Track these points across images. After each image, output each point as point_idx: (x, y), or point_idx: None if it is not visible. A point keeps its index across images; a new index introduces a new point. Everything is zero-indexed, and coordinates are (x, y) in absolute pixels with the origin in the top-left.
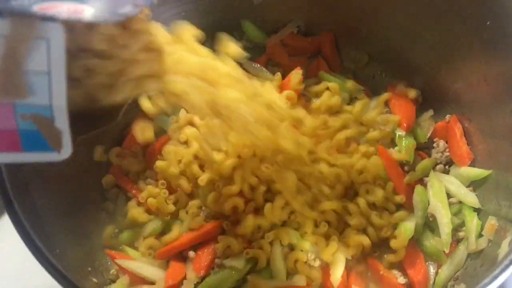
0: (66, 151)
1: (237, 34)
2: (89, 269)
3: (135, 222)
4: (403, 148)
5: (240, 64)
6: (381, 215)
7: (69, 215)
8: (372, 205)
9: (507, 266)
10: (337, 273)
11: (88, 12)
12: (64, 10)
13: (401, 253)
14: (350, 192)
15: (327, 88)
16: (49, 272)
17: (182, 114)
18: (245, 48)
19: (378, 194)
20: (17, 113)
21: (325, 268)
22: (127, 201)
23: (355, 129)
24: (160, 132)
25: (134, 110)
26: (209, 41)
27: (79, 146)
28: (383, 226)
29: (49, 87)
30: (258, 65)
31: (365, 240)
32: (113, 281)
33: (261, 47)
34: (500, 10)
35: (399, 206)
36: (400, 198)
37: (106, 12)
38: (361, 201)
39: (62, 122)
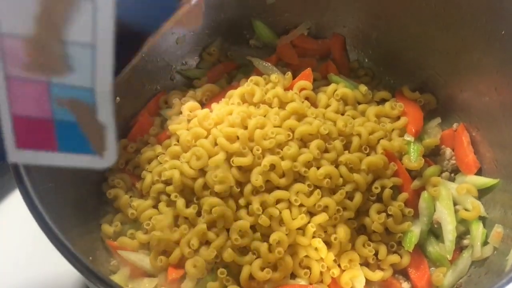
0: (110, 156)
1: (248, 32)
2: (90, 258)
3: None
4: (413, 154)
5: (251, 62)
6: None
7: (71, 203)
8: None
9: None
10: (360, 284)
11: None
12: None
13: (406, 259)
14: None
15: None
16: (62, 253)
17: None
18: (255, 47)
19: (394, 205)
20: (52, 96)
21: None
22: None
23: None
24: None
25: (139, 103)
26: (220, 38)
27: None
28: (397, 232)
29: (92, 65)
30: (269, 63)
31: (383, 250)
32: (114, 272)
33: (271, 47)
34: None
35: None
36: (408, 211)
37: None
38: (380, 216)
39: (107, 115)
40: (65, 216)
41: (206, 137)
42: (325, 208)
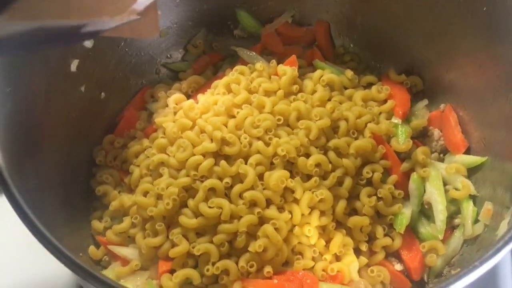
0: None
1: (232, 23)
2: (81, 254)
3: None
4: (401, 136)
5: (236, 52)
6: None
7: (60, 201)
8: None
9: (507, 242)
10: (354, 268)
11: None
12: None
13: (398, 241)
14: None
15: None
16: (49, 250)
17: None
18: (240, 37)
19: (385, 187)
20: None
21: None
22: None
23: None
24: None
25: (125, 98)
26: (204, 29)
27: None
28: (388, 215)
29: None
30: (253, 52)
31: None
32: (105, 267)
33: (255, 36)
34: None
35: None
36: (398, 193)
37: None
38: (371, 199)
39: None
40: (53, 215)
41: (191, 128)
42: (322, 200)
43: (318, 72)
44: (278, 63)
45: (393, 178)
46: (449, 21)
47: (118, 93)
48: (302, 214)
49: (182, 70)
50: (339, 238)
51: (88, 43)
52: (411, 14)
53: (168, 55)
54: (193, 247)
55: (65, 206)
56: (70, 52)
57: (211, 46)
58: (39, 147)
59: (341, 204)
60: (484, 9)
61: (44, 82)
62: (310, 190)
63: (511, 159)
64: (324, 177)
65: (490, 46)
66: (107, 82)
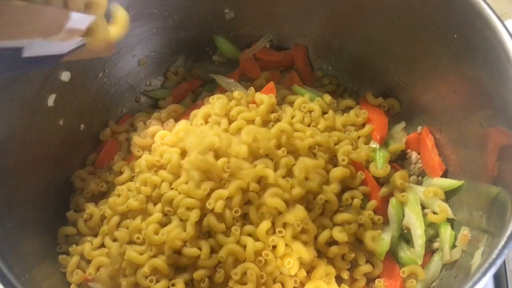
0: None
1: (210, 49)
2: None
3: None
4: (379, 161)
5: (213, 80)
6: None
7: (40, 237)
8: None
9: (479, 279)
10: None
11: None
12: None
13: (379, 267)
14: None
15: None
16: None
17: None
18: (219, 63)
19: (364, 214)
20: None
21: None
22: None
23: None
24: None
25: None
26: (182, 56)
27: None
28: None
29: None
30: (232, 80)
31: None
32: None
33: (234, 61)
34: (465, 23)
35: None
36: (378, 219)
37: None
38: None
39: None
40: (31, 254)
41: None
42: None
43: (300, 99)
44: (256, 89)
45: (373, 203)
46: (423, 46)
47: (98, 124)
48: (286, 245)
49: (161, 98)
50: (321, 268)
51: (65, 77)
52: (386, 39)
53: (148, 83)
54: (172, 285)
55: (46, 243)
56: (47, 87)
57: (191, 72)
58: (16, 189)
59: (325, 234)
60: (455, 36)
61: (20, 121)
62: None
63: (486, 182)
64: (307, 207)
65: (461, 70)
66: (86, 114)
